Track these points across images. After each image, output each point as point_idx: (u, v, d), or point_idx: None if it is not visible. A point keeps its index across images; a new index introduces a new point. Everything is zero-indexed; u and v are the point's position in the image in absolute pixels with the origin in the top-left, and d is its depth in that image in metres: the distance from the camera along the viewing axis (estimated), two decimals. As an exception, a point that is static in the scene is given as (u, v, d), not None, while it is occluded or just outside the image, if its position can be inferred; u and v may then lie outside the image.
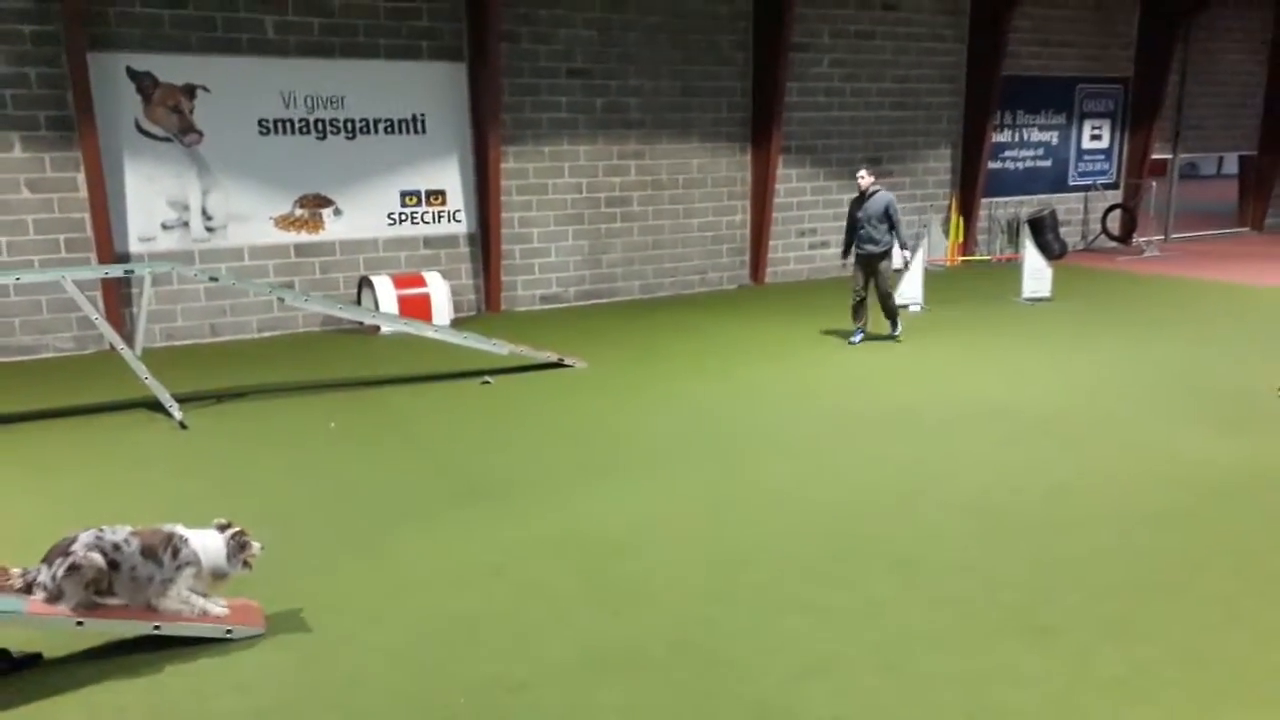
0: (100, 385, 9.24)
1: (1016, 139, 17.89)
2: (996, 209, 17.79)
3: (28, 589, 4.27)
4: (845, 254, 10.81)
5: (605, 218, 14.09)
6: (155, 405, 8.19)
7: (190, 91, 11.27)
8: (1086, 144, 18.79)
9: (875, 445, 7.30)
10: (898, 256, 11.01)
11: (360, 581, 5.15)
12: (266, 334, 12.09)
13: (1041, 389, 8.79)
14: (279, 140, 11.83)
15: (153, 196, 11.27)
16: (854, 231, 10.59)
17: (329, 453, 7.42)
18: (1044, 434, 7.46)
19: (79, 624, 4.26)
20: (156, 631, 4.38)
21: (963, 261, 16.87)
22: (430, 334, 9.87)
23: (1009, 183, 17.90)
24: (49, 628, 4.27)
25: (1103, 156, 19.09)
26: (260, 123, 11.70)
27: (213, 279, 9.82)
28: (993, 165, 17.40)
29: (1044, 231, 16.68)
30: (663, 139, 14.25)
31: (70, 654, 4.38)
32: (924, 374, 9.51)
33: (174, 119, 11.24)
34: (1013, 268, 14.85)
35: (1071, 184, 18.83)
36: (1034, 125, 18.05)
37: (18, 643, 4.33)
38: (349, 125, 12.17)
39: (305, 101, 11.87)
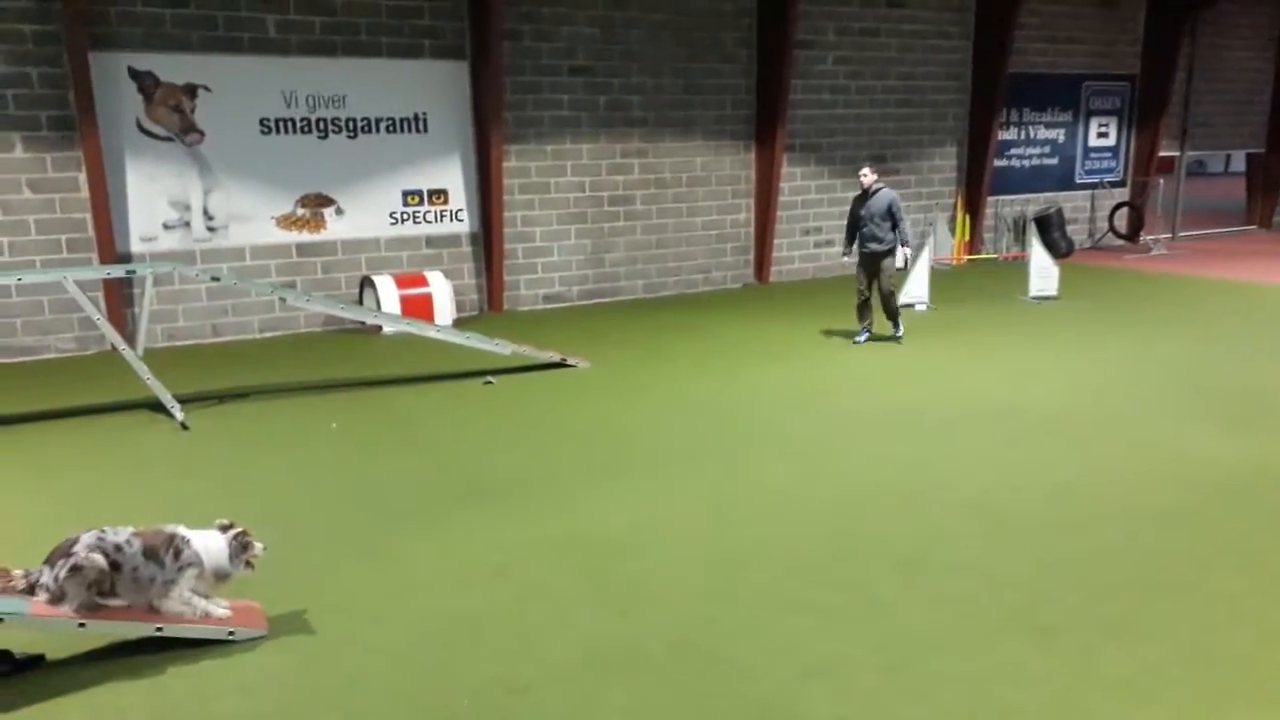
0: (102, 386, 9.24)
1: (1023, 137, 17.83)
2: (1003, 207, 17.73)
3: (30, 590, 4.27)
4: (846, 250, 10.78)
5: (608, 216, 14.06)
6: (157, 406, 8.18)
7: (191, 91, 11.26)
8: (1093, 142, 18.73)
9: (879, 445, 7.27)
10: (900, 255, 10.96)
11: (362, 582, 5.14)
12: (268, 334, 12.09)
13: (1047, 388, 8.76)
14: (280, 139, 11.82)
15: (154, 196, 11.27)
16: (855, 228, 10.56)
17: (331, 453, 7.41)
18: (1049, 433, 7.43)
19: (81, 625, 4.25)
20: (159, 633, 4.37)
21: (969, 260, 16.82)
22: (432, 334, 9.85)
23: (1015, 181, 17.84)
24: (51, 629, 4.26)
25: (1110, 154, 19.03)
26: (262, 122, 11.69)
27: (214, 279, 9.82)
28: (999, 163, 17.34)
29: (1050, 230, 16.63)
30: (666, 137, 14.22)
31: (73, 655, 4.38)
32: (929, 373, 9.48)
33: (175, 118, 11.24)
34: (1019, 266, 14.80)
35: (1078, 182, 18.77)
36: (1040, 123, 17.99)
37: (20, 644, 4.32)
38: (351, 124, 12.16)
39: (307, 100, 11.86)
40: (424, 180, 12.75)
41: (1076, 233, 18.32)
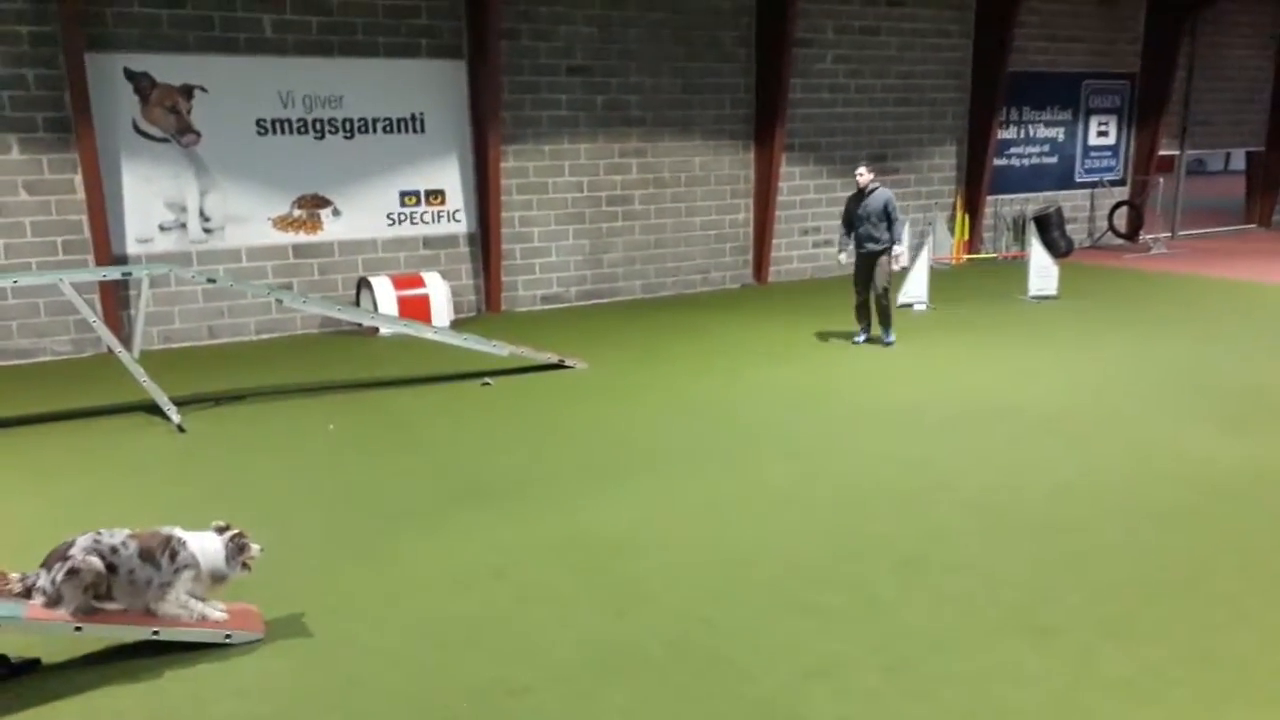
0: (98, 388, 9.22)
1: (1022, 135, 17.81)
2: (1002, 206, 17.71)
3: (26, 594, 4.25)
4: (841, 249, 10.72)
5: (606, 216, 14.04)
6: (153, 408, 8.16)
7: (188, 92, 11.24)
8: (1093, 140, 18.70)
9: (878, 444, 7.26)
10: (894, 253, 10.91)
11: (360, 585, 5.12)
12: (265, 336, 12.07)
13: (1047, 387, 8.74)
14: (277, 140, 11.79)
15: (150, 198, 11.25)
16: (850, 227, 10.52)
17: (328, 455, 7.39)
18: (1049, 432, 7.42)
19: (78, 629, 4.23)
20: (155, 637, 4.35)
21: (968, 259, 16.81)
22: (430, 335, 9.83)
23: (1015, 180, 17.83)
24: (48, 633, 4.25)
25: (1109, 153, 19.01)
26: (258, 123, 11.66)
27: (210, 281, 9.78)
28: (998, 162, 17.33)
29: (1050, 229, 16.62)
30: (664, 137, 14.20)
31: (69, 659, 4.36)
32: (928, 373, 9.46)
33: (171, 119, 11.22)
34: (1019, 265, 14.79)
35: (1078, 181, 18.75)
36: (1040, 121, 17.96)
37: (16, 648, 4.30)
38: (347, 125, 12.13)
39: (303, 101, 11.83)
40: (421, 181, 12.73)
41: (1076, 232, 18.31)
